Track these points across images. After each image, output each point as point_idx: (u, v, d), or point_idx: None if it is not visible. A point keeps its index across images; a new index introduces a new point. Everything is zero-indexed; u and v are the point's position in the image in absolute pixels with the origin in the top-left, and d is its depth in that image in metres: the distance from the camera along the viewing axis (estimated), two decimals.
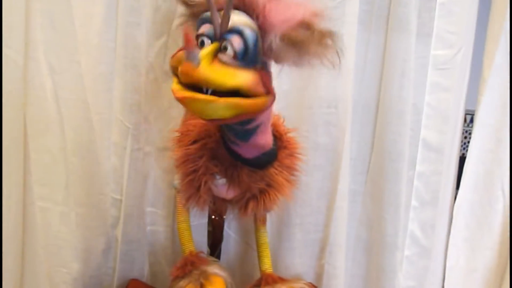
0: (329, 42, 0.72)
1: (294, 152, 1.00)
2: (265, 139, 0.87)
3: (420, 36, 1.15)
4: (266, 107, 0.74)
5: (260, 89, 0.71)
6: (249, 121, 0.78)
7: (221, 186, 0.96)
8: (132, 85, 1.04)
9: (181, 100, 0.69)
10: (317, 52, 0.72)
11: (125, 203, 1.09)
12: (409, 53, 1.14)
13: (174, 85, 0.70)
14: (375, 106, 1.19)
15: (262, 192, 0.97)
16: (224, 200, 1.03)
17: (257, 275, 1.10)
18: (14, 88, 0.96)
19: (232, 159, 0.91)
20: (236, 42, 0.70)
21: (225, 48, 0.70)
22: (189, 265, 0.96)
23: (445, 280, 1.31)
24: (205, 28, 0.73)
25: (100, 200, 1.07)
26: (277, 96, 0.77)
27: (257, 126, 0.81)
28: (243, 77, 0.70)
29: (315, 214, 1.19)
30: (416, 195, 1.22)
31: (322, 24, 0.72)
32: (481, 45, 1.22)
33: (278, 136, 0.96)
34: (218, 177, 0.95)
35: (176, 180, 1.00)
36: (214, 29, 0.71)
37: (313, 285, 1.15)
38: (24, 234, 1.03)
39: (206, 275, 0.94)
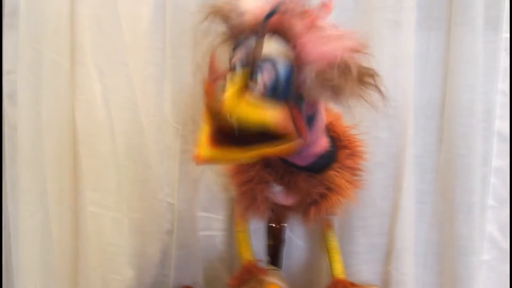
0: (369, 81, 0.66)
1: (356, 151, 0.94)
2: (320, 146, 0.82)
3: (488, 19, 1.06)
4: (295, 151, 0.68)
5: (290, 127, 0.65)
6: None
7: (278, 194, 0.92)
8: (180, 85, 1.02)
9: (206, 161, 0.65)
10: (354, 92, 0.65)
11: (177, 207, 1.07)
12: (476, 37, 1.05)
13: (202, 131, 0.66)
14: (441, 97, 1.10)
15: (323, 196, 0.92)
16: (285, 207, 0.98)
17: (323, 281, 1.06)
18: (62, 93, 0.97)
19: (286, 166, 0.87)
20: (267, 72, 0.65)
21: (255, 79, 0.64)
22: (246, 274, 0.94)
23: None
24: (239, 53, 0.68)
25: (154, 204, 1.06)
26: None
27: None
28: (271, 114, 0.63)
29: (378, 216, 1.11)
30: (493, 193, 1.13)
31: (363, 61, 0.65)
32: None
33: (335, 136, 0.91)
34: (274, 185, 0.91)
35: (232, 191, 0.98)
36: (247, 56, 0.66)
37: None
38: (77, 240, 1.03)
39: (262, 284, 0.91)
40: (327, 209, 0.93)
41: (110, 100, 1.01)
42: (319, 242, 1.14)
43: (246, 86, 0.64)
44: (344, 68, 0.63)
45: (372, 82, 0.66)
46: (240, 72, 0.66)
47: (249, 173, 0.89)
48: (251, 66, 0.65)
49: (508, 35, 1.08)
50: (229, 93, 0.62)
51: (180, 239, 1.08)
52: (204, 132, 0.66)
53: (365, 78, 0.65)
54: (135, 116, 1.01)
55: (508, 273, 1.15)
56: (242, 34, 0.69)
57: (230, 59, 0.69)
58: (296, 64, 0.65)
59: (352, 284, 0.99)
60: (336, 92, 0.64)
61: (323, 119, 0.79)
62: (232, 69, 0.68)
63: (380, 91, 0.67)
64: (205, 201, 1.11)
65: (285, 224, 1.15)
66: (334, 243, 1.04)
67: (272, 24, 0.65)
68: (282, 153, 0.67)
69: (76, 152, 1.01)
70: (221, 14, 0.75)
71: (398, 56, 1.04)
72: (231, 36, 0.75)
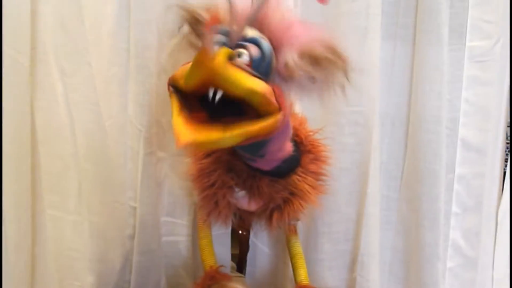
0: (344, 65, 0.70)
1: (320, 156, 0.94)
2: (284, 150, 0.82)
3: (453, 27, 1.08)
4: (278, 127, 0.68)
5: (273, 101, 0.66)
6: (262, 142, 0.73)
7: (241, 199, 0.92)
8: (144, 86, 1.01)
9: (189, 146, 0.65)
10: (333, 72, 0.70)
11: (140, 212, 1.04)
12: (441, 45, 1.06)
13: (176, 118, 0.66)
14: (407, 104, 1.11)
15: (286, 201, 0.92)
16: (248, 213, 0.97)
17: (287, 287, 1.04)
18: (21, 91, 0.94)
19: (249, 170, 0.87)
20: (253, 49, 0.67)
21: (239, 55, 0.66)
22: (209, 281, 0.92)
23: None
24: (218, 38, 0.68)
25: (116, 208, 1.03)
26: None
27: (270, 142, 0.76)
28: (259, 82, 0.65)
29: (344, 222, 1.12)
30: (457, 200, 1.14)
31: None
32: None
33: (299, 141, 0.91)
34: (237, 189, 0.90)
35: (195, 195, 0.96)
36: (231, 36, 0.67)
37: None
38: (34, 244, 0.99)
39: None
40: (290, 214, 0.93)
41: (72, 100, 0.97)
42: (284, 248, 1.13)
43: (231, 59, 0.65)
44: (326, 48, 0.68)
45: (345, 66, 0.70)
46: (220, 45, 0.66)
47: (212, 177, 0.88)
48: (235, 47, 0.67)
49: (472, 44, 1.09)
50: (221, 54, 0.62)
51: (142, 244, 1.05)
52: (179, 118, 0.66)
53: (342, 61, 0.70)
54: (97, 117, 0.99)
55: (472, 281, 1.16)
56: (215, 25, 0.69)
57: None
58: (275, 49, 0.69)
59: None
60: (318, 70, 0.69)
61: (290, 123, 0.79)
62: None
63: (347, 74, 0.71)
64: (168, 206, 1.09)
65: (250, 230, 1.14)
66: (298, 249, 1.03)
67: (248, 18, 0.68)
68: (264, 131, 0.66)
69: (35, 152, 0.97)
70: (190, 16, 0.79)
71: (364, 62, 1.05)
72: (199, 33, 0.78)
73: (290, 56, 0.68)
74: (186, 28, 0.81)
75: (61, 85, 0.97)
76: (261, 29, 0.70)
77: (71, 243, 0.99)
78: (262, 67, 0.67)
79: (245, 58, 0.66)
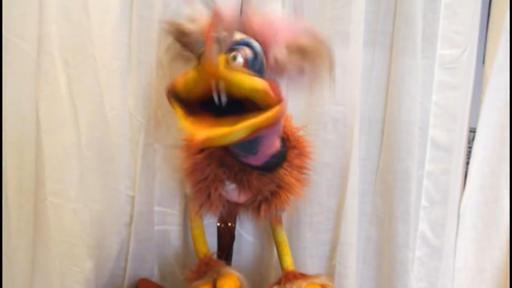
0: (328, 52, 0.79)
1: (304, 151, 1.01)
2: (274, 146, 0.89)
3: (426, 36, 1.17)
4: (280, 116, 0.75)
5: (273, 94, 0.72)
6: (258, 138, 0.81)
7: (231, 192, 0.97)
8: (145, 80, 1.04)
9: (204, 142, 0.71)
10: (319, 62, 0.78)
11: (137, 200, 1.07)
12: (415, 53, 1.16)
13: (184, 121, 0.73)
14: (383, 105, 1.19)
15: (273, 194, 0.99)
16: (236, 204, 1.03)
17: (272, 275, 1.10)
18: (28, 82, 0.96)
19: (240, 165, 0.93)
20: (246, 50, 0.74)
21: (234, 58, 0.73)
22: (203, 267, 0.96)
23: (454, 281, 1.30)
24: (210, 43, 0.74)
25: (114, 196, 1.06)
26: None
27: (264, 139, 0.84)
28: (257, 80, 0.72)
29: (325, 212, 1.18)
30: (426, 194, 1.23)
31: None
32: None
33: (285, 137, 0.97)
34: (228, 183, 0.96)
35: (188, 188, 1.01)
36: (223, 42, 0.73)
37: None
38: (36, 231, 1.01)
39: (220, 274, 0.94)
40: (277, 206, 1.00)
41: (75, 91, 1.00)
42: (268, 237, 1.19)
43: (227, 61, 0.72)
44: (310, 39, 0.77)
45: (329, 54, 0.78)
46: (218, 52, 0.71)
47: (205, 172, 0.93)
48: (228, 51, 0.73)
49: (442, 52, 1.19)
50: (221, 61, 0.69)
51: (139, 232, 1.09)
52: (187, 120, 0.71)
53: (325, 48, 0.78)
54: (100, 109, 1.01)
55: (437, 268, 1.26)
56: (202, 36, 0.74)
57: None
58: (263, 47, 0.76)
59: (302, 275, 1.04)
60: (307, 59, 0.77)
61: (280, 122, 0.86)
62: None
63: (331, 63, 0.79)
64: (161, 196, 1.13)
65: (236, 221, 1.19)
66: (283, 237, 1.09)
67: (235, 23, 0.75)
68: (269, 122, 0.72)
69: (38, 141, 0.99)
70: (176, 29, 0.86)
71: (347, 65, 1.11)
72: (187, 45, 0.85)
73: (279, 51, 0.76)
74: (175, 43, 0.89)
75: (64, 76, 1.00)
76: (246, 31, 0.77)
77: (72, 230, 1.02)
78: (256, 66, 0.75)
79: (239, 60, 0.73)
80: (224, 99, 0.70)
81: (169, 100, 0.76)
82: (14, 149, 0.98)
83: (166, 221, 1.14)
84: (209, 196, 0.95)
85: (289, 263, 1.07)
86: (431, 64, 1.19)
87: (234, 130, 0.70)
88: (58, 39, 0.98)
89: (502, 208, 1.27)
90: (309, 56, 0.77)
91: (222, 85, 0.69)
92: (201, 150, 0.94)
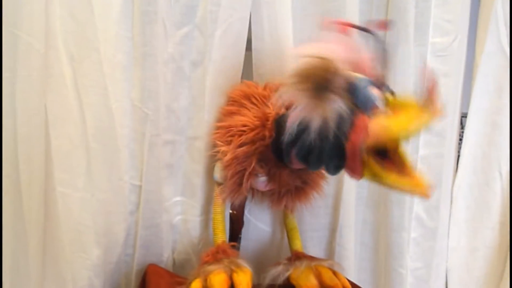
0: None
1: None
2: None
3: (418, 25, 1.21)
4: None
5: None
6: None
7: (261, 183, 1.02)
8: (151, 72, 1.06)
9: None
10: None
11: (145, 189, 1.10)
12: (408, 41, 1.20)
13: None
14: None
15: (297, 188, 1.06)
16: (261, 192, 1.10)
17: (278, 259, 1.12)
18: (36, 76, 0.99)
19: (277, 161, 0.97)
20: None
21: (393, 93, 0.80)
22: (220, 253, 0.97)
23: (448, 260, 1.36)
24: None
25: (120, 186, 1.08)
26: None
27: None
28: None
29: (324, 197, 1.18)
30: None
31: None
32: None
33: None
34: (260, 175, 1.01)
35: (217, 173, 1.03)
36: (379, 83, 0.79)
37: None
38: (46, 219, 1.04)
39: (237, 265, 0.94)
40: (300, 200, 1.07)
41: (80, 84, 1.02)
42: (275, 223, 1.25)
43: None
44: None
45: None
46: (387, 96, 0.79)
47: (244, 165, 0.97)
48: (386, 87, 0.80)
49: (434, 40, 1.23)
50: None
51: (146, 219, 1.11)
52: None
53: None
54: (105, 101, 1.03)
55: (432, 248, 1.31)
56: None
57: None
58: None
59: (310, 256, 1.08)
60: None
61: None
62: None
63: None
64: (183, 187, 1.16)
65: (245, 208, 1.22)
66: (294, 224, 1.15)
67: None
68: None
69: (47, 134, 1.02)
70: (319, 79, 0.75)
71: None
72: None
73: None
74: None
75: (70, 70, 1.02)
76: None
77: (79, 218, 1.04)
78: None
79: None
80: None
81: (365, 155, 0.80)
82: (25, 142, 1.00)
83: (186, 211, 1.16)
84: (240, 185, 0.99)
85: (298, 246, 1.12)
86: (423, 52, 1.23)
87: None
88: (63, 34, 1.00)
89: (494, 190, 1.33)
90: None
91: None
92: (242, 145, 0.96)
